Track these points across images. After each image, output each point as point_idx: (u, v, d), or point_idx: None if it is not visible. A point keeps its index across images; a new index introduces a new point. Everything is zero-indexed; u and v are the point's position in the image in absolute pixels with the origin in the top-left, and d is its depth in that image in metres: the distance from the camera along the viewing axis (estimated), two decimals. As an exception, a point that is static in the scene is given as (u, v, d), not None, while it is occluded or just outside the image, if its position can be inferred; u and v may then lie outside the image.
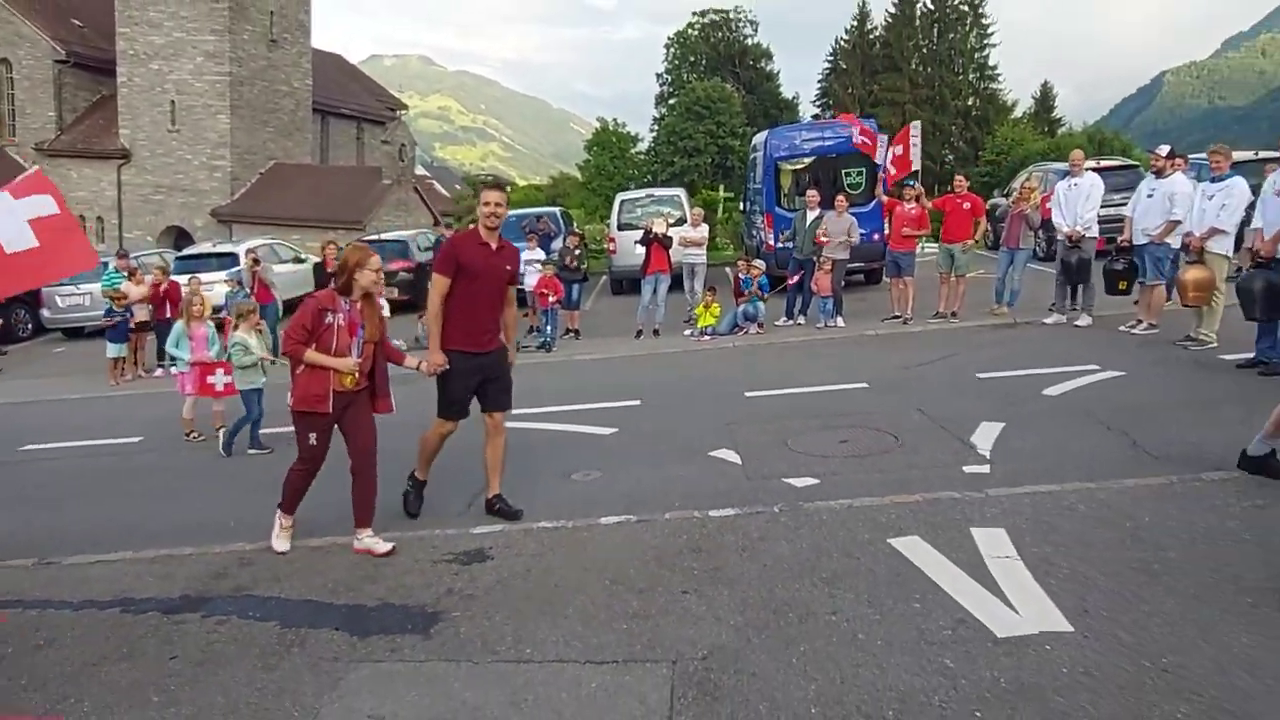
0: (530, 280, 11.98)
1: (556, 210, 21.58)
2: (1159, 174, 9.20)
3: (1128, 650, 3.20)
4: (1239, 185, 7.88)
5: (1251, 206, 7.82)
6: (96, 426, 9.29)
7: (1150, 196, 9.15)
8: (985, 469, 5.42)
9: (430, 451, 5.33)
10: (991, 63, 53.86)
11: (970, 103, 52.60)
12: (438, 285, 5.03)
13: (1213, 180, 8.31)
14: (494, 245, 5.09)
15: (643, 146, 53.58)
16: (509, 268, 5.22)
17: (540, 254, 12.64)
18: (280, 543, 4.93)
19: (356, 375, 4.73)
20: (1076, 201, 9.74)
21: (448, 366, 4.99)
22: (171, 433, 8.39)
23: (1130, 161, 18.09)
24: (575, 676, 3.36)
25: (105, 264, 13.24)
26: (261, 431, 7.61)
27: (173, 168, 28.62)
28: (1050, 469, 5.24)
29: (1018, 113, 52.12)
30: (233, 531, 5.41)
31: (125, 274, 12.71)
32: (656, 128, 53.30)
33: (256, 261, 12.84)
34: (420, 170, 48.33)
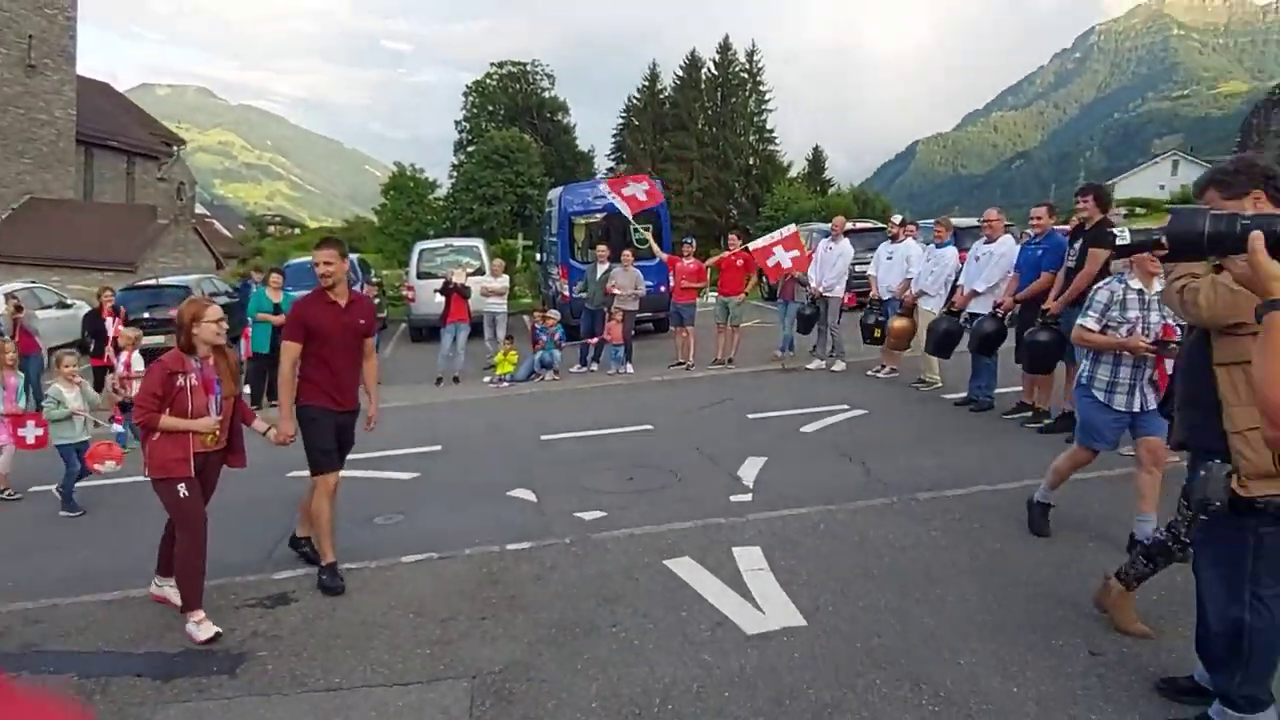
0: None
1: (354, 258, 21.29)
2: (894, 239, 10.74)
3: (845, 636, 3.97)
4: (949, 255, 9.42)
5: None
6: None
7: (889, 259, 10.64)
8: (748, 497, 6.22)
9: (327, 519, 5.01)
10: (769, 126, 58.16)
11: (751, 162, 56.58)
12: (288, 352, 4.89)
13: (937, 247, 9.85)
14: (343, 302, 4.99)
15: (441, 192, 53.25)
16: (363, 322, 5.11)
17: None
18: (204, 631, 4.35)
19: (217, 433, 4.60)
20: (829, 263, 11.11)
21: (295, 438, 4.91)
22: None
23: (880, 224, 20.46)
24: (382, 698, 3.70)
25: None
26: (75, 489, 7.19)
27: (-97, 199, 25.58)
28: (800, 495, 6.10)
29: (793, 173, 56.56)
30: (11, 591, 5.22)
31: None
32: (455, 174, 53.36)
33: (19, 308, 11.91)
34: (199, 209, 45.53)
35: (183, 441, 4.46)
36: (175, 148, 42.35)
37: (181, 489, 4.43)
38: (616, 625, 4.22)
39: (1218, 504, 2.80)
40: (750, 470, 6.86)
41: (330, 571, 4.95)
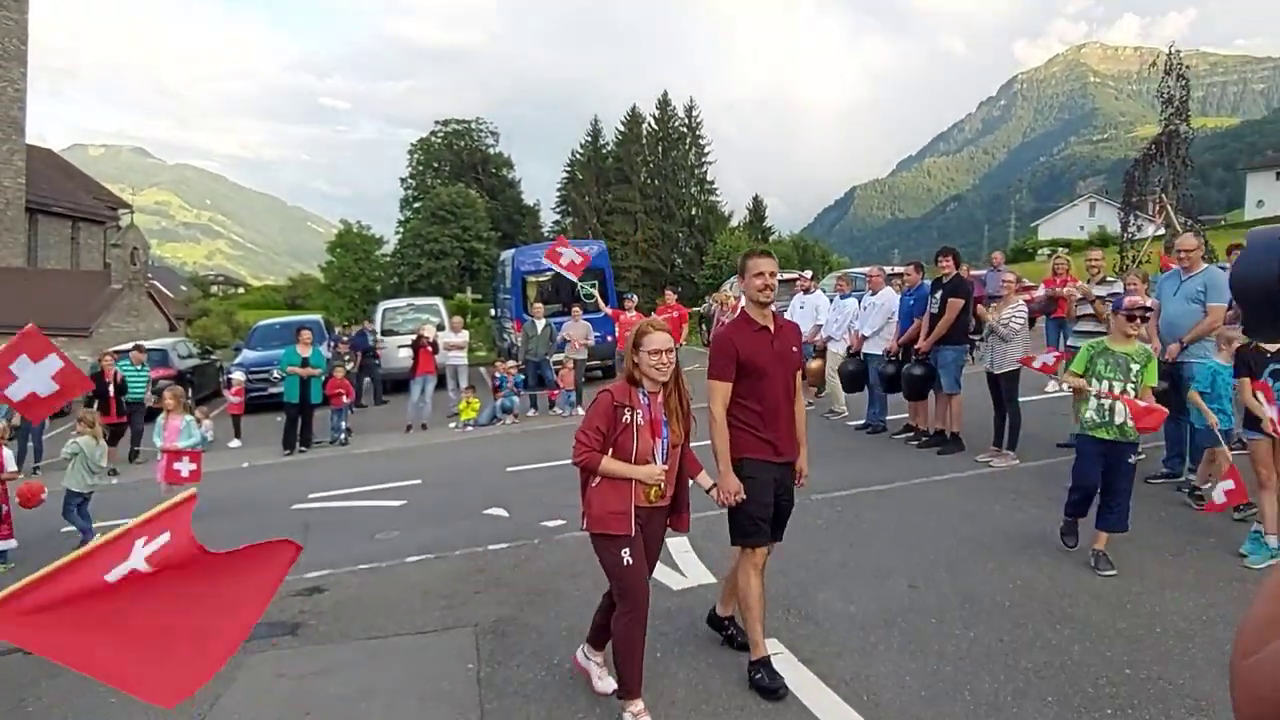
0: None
1: (318, 318, 22.57)
2: (806, 292, 12.52)
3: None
4: (849, 304, 11.16)
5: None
6: None
7: (801, 309, 12.40)
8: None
9: (757, 598, 4.24)
10: (710, 178, 60.23)
11: (694, 213, 58.52)
12: (718, 393, 4.14)
13: (841, 298, 11.62)
14: (773, 327, 4.21)
15: (388, 248, 54.05)
16: (795, 349, 4.33)
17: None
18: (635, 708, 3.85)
19: (662, 486, 3.88)
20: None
21: (744, 496, 4.18)
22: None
23: (802, 274, 22.38)
24: (413, 639, 5.14)
25: None
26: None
27: None
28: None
29: (735, 222, 58.56)
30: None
31: None
32: (401, 230, 54.49)
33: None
34: (144, 271, 46.04)
35: (624, 491, 3.78)
36: (123, 212, 43.00)
37: (626, 555, 3.78)
38: (578, 591, 5.70)
39: None
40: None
41: (765, 669, 4.13)
